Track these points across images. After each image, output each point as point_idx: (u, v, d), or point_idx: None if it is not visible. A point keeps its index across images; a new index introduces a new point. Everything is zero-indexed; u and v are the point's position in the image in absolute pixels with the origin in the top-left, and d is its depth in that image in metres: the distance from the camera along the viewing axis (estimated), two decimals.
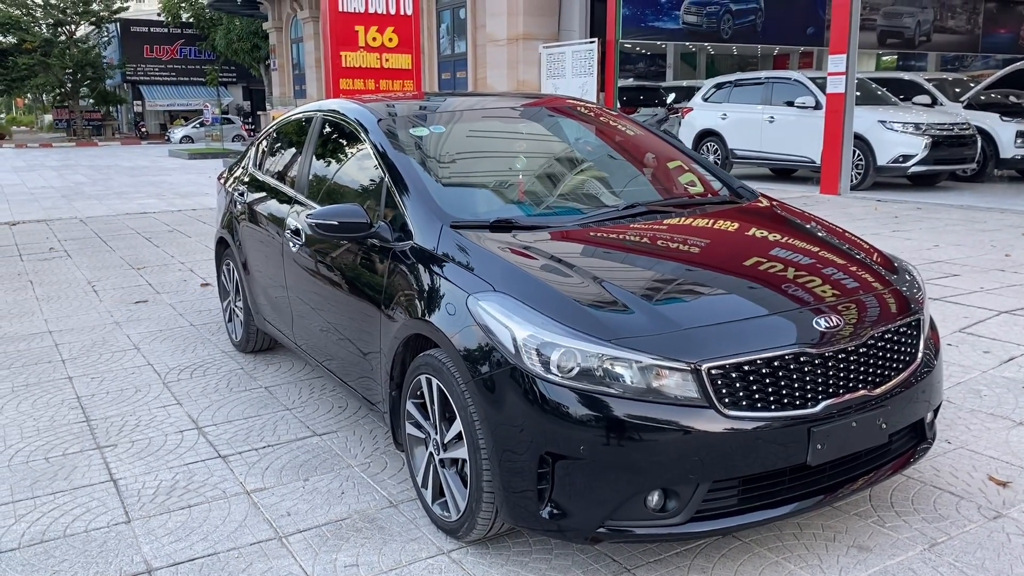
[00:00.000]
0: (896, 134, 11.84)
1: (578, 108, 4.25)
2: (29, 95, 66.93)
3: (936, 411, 3.00)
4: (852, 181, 12.18)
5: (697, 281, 2.80)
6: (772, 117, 13.51)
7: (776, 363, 2.44)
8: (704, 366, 2.37)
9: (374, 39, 13.13)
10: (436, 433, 2.85)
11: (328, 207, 3.32)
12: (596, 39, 15.97)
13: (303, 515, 3.08)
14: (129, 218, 11.83)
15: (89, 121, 53.56)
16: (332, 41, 12.89)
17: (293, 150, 4.43)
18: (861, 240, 3.32)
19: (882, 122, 11.95)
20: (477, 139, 3.88)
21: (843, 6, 11.49)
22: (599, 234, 3.07)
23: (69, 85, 50.87)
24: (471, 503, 2.67)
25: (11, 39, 48.44)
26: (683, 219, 3.26)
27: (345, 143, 3.88)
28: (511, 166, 3.83)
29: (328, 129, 4.07)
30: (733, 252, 3.03)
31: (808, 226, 3.35)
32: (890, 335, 2.68)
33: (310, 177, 4.07)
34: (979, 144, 12.38)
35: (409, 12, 13.38)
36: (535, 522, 2.51)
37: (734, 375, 2.40)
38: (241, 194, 4.85)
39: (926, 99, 13.80)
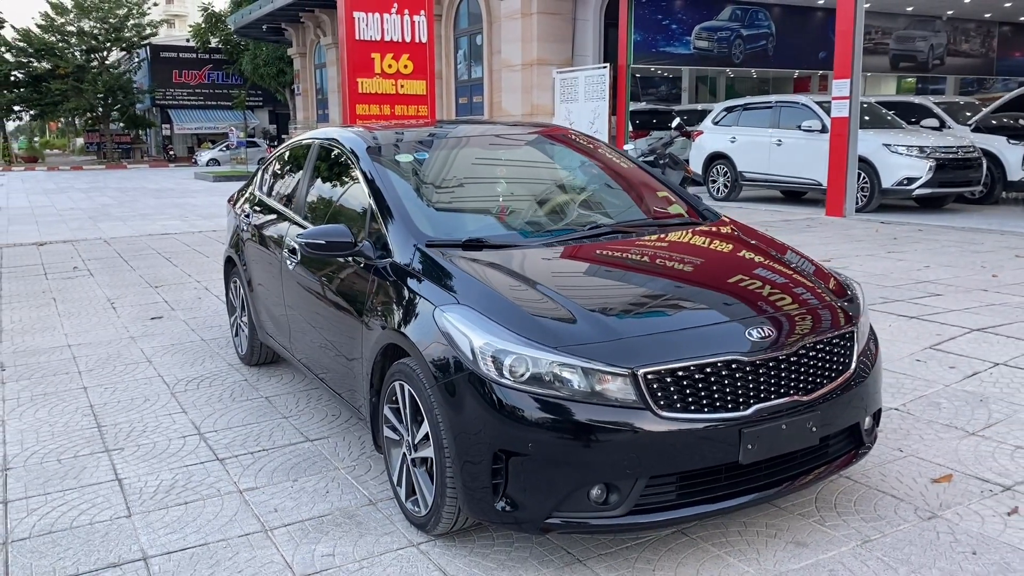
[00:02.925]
0: (900, 157, 12.01)
1: (566, 136, 4.52)
2: (62, 119, 68.52)
3: (877, 417, 3.22)
4: (858, 203, 12.34)
5: (644, 294, 3.05)
6: (780, 140, 13.72)
7: (709, 369, 2.67)
8: (641, 371, 2.62)
9: (389, 66, 13.53)
10: (408, 435, 3.11)
11: (316, 227, 3.62)
12: (608, 64, 16.30)
13: (289, 511, 3.34)
14: (151, 239, 12.23)
15: (119, 144, 54.78)
16: (349, 68, 13.30)
17: (293, 174, 4.73)
18: (810, 259, 3.55)
19: (887, 145, 12.12)
20: (460, 164, 4.16)
21: (846, 32, 11.72)
22: (561, 252, 3.33)
23: (100, 109, 52.11)
24: (436, 498, 2.92)
25: (45, 65, 49.78)
26: (642, 238, 3.51)
27: (338, 168, 4.17)
28: (489, 189, 4.10)
29: (324, 155, 4.37)
30: (682, 268, 3.28)
31: (760, 246, 3.58)
32: (823, 346, 2.90)
33: (307, 199, 4.37)
34: (984, 167, 12.51)
35: (424, 39, 13.76)
36: (492, 515, 2.75)
37: (668, 380, 2.64)
38: (247, 215, 5.16)
39: (934, 122, 13.95)
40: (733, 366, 2.70)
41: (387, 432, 3.29)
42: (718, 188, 15.05)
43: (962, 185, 12.40)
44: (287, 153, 5.00)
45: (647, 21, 17.65)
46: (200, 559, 2.99)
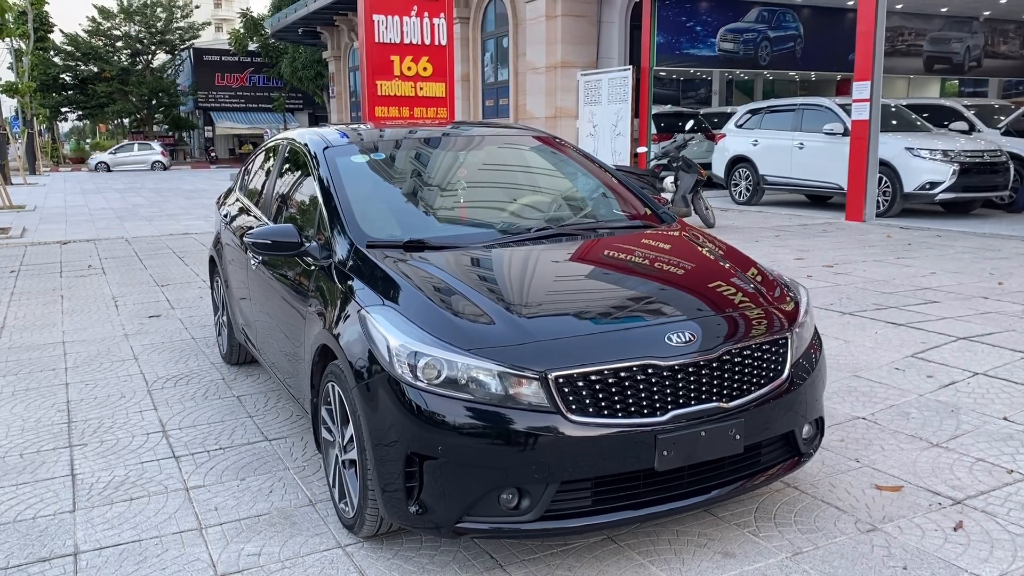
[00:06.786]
0: (923, 161, 11.74)
1: (538, 139, 4.46)
2: (111, 121, 70.16)
3: (819, 426, 3.13)
4: (880, 208, 12.09)
5: (571, 296, 3.01)
6: (802, 144, 13.50)
7: (623, 374, 2.62)
8: (552, 375, 2.58)
9: (409, 68, 13.58)
10: (338, 436, 3.10)
11: (265, 227, 3.63)
12: (631, 66, 16.20)
13: (228, 510, 3.35)
14: (171, 238, 12.43)
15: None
16: (368, 70, 13.37)
17: (264, 174, 4.77)
18: (757, 265, 3.46)
19: (909, 149, 11.86)
20: (418, 165, 4.15)
21: (867, 33, 11.50)
22: (499, 253, 3.30)
23: (144, 111, 53.21)
24: (360, 500, 2.91)
25: (92, 68, 51.03)
26: (586, 241, 3.46)
27: (300, 168, 4.19)
28: (446, 190, 4.07)
29: (290, 155, 4.39)
30: (616, 271, 3.23)
31: (706, 250, 3.51)
32: (749, 352, 2.83)
33: (272, 199, 4.39)
34: (1011, 171, 12.18)
35: (443, 42, 13.81)
36: (406, 518, 2.73)
37: (580, 384, 2.59)
38: (225, 216, 5.21)
39: (963, 126, 13.63)
40: (649, 371, 2.65)
41: (324, 433, 3.29)
42: (740, 192, 14.87)
43: (988, 190, 12.08)
44: (263, 153, 5.04)
45: (671, 23, 17.52)
46: (128, 555, 3.01)
